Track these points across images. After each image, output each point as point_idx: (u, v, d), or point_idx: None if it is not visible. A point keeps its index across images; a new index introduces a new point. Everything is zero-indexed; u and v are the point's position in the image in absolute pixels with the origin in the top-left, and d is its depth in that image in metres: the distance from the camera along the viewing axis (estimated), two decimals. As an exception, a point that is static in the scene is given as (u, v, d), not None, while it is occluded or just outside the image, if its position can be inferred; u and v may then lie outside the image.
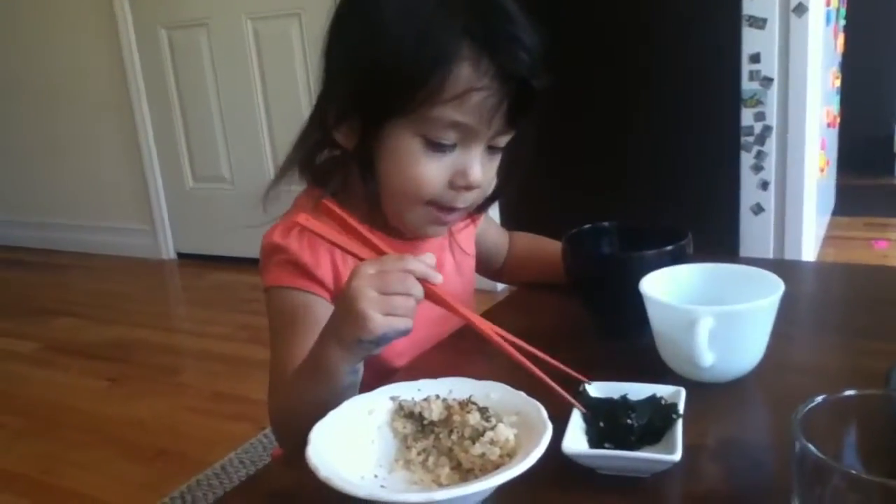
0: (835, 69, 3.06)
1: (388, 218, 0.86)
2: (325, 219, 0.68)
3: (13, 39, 3.74)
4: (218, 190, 3.47)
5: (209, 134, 3.40)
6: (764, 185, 2.43)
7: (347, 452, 0.59)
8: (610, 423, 0.62)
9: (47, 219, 3.98)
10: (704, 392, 0.71)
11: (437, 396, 0.64)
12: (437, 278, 0.66)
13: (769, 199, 2.44)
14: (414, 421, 0.62)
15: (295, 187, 0.94)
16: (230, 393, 2.23)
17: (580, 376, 0.68)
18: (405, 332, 0.66)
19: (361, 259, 0.67)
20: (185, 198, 3.58)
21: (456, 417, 0.61)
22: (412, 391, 0.66)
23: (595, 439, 0.62)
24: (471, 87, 0.75)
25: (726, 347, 0.70)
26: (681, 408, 0.63)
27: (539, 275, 1.04)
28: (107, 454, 1.97)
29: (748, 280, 0.77)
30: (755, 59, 2.35)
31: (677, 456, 0.57)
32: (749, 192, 2.45)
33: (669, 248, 0.83)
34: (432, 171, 0.80)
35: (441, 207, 0.83)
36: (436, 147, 0.79)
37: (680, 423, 0.61)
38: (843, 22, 3.15)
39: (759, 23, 2.32)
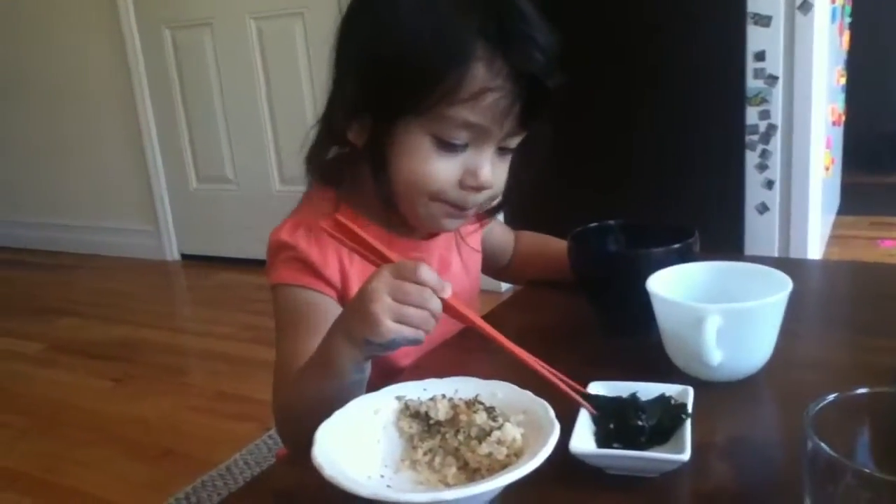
0: (840, 67, 3.05)
1: (400, 214, 0.85)
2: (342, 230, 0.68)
3: (17, 40, 3.74)
4: (222, 191, 3.47)
5: (213, 134, 3.40)
6: (769, 184, 2.42)
7: (353, 452, 0.59)
8: (620, 424, 0.61)
9: (51, 219, 3.98)
10: (712, 390, 0.70)
11: (444, 396, 0.63)
12: (446, 292, 0.65)
13: (774, 198, 2.43)
14: (420, 420, 0.62)
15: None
16: (234, 393, 2.22)
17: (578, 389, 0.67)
18: (414, 342, 0.66)
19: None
20: (188, 198, 3.58)
21: (462, 417, 0.60)
22: (418, 391, 0.65)
23: (603, 439, 0.61)
24: (485, 88, 0.75)
25: (734, 346, 0.69)
26: (690, 407, 0.62)
27: (545, 273, 1.04)
28: (110, 453, 1.97)
29: (756, 278, 0.77)
30: (760, 57, 2.34)
31: (686, 456, 0.56)
32: (754, 190, 2.44)
33: (677, 245, 0.83)
34: (443, 171, 0.80)
35: (453, 205, 0.83)
36: (447, 147, 0.79)
37: (689, 423, 0.60)
38: (848, 19, 3.14)
39: (764, 20, 2.31)
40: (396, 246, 0.89)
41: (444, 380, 0.67)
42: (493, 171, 0.81)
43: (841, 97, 3.14)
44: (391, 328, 0.64)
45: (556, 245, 1.03)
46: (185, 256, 3.68)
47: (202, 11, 3.22)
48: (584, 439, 0.60)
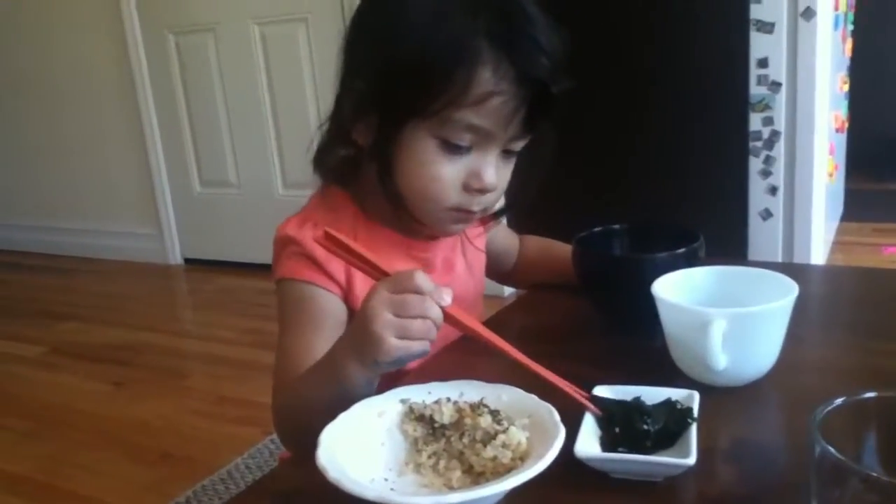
0: (843, 74, 3.05)
1: (407, 214, 0.85)
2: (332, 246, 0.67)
3: (21, 44, 3.75)
4: (224, 195, 3.47)
5: (216, 139, 3.40)
6: (772, 191, 2.42)
7: (357, 455, 0.58)
8: (626, 428, 0.61)
9: (54, 222, 3.99)
10: (717, 394, 0.70)
11: (448, 399, 0.63)
12: (445, 300, 0.65)
13: (778, 205, 2.43)
14: (424, 424, 0.62)
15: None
16: (236, 397, 2.22)
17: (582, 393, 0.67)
18: (422, 355, 0.66)
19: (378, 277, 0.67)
20: (191, 202, 3.58)
21: (467, 420, 0.60)
22: (423, 394, 0.65)
23: (608, 443, 0.61)
24: (491, 92, 0.75)
25: (740, 350, 0.69)
26: (695, 412, 0.62)
27: (549, 277, 1.04)
28: (112, 457, 1.96)
29: (761, 283, 0.76)
30: (763, 63, 2.34)
31: (692, 460, 0.56)
32: (757, 197, 2.44)
33: (682, 250, 0.83)
34: (447, 173, 0.80)
35: (457, 209, 0.83)
36: (452, 149, 0.79)
37: (695, 428, 0.60)
38: (851, 26, 3.14)
39: (767, 27, 2.32)
40: (402, 246, 0.89)
41: (448, 383, 0.67)
42: (497, 173, 0.81)
43: (844, 104, 3.14)
44: (396, 346, 0.64)
45: (561, 249, 1.03)
46: (187, 260, 3.67)
47: (206, 16, 3.23)
48: (589, 443, 0.60)
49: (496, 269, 1.09)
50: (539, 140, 0.85)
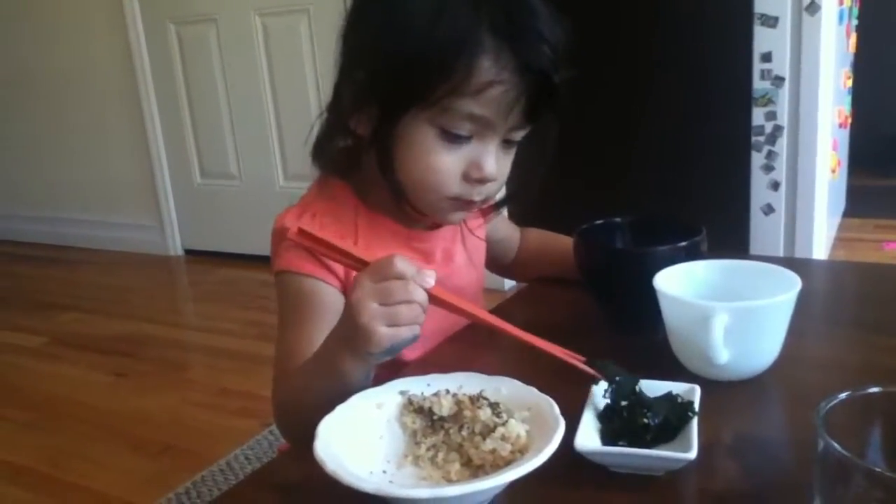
0: (847, 69, 3.03)
1: (408, 204, 0.85)
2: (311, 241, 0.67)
3: (22, 34, 3.74)
4: (225, 186, 3.46)
5: (217, 130, 3.39)
6: (775, 186, 2.41)
7: (355, 447, 0.58)
8: (626, 422, 0.60)
9: (55, 213, 3.98)
10: (719, 389, 0.69)
11: (447, 391, 0.63)
12: (429, 282, 0.65)
13: (780, 200, 2.42)
14: (423, 416, 0.61)
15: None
16: (236, 389, 2.22)
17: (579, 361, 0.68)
18: (413, 340, 0.65)
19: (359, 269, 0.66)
20: (192, 194, 3.57)
21: (466, 413, 0.60)
22: (422, 386, 0.65)
23: (608, 436, 0.61)
24: (492, 81, 0.74)
25: (742, 345, 0.69)
26: (696, 406, 0.61)
27: (550, 270, 1.03)
28: (113, 448, 1.97)
29: (764, 277, 0.76)
30: (767, 57, 2.33)
31: (693, 454, 0.56)
32: (759, 192, 2.43)
33: (684, 243, 0.82)
34: (447, 163, 0.79)
35: (457, 200, 0.82)
36: (452, 138, 0.78)
37: (696, 422, 0.60)
38: (855, 21, 3.13)
39: (771, 21, 2.30)
40: (402, 236, 0.88)
41: (448, 375, 0.66)
42: (497, 163, 0.81)
43: (847, 99, 3.13)
44: (386, 335, 0.63)
45: (562, 242, 1.02)
46: (188, 252, 3.67)
47: (207, 7, 3.22)
48: (589, 437, 0.59)
49: (496, 262, 1.08)
50: (540, 131, 0.84)
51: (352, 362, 0.68)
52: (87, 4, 3.48)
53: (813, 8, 2.26)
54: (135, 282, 3.43)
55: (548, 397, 0.61)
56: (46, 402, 2.26)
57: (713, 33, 2.40)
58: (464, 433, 0.59)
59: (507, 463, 0.56)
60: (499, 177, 0.82)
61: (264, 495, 0.65)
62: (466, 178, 0.81)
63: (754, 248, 2.46)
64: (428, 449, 0.60)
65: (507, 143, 0.82)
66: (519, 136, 0.83)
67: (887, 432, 0.49)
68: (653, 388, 0.65)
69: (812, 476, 0.47)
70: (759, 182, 2.43)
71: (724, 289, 0.76)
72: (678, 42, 2.44)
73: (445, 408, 0.61)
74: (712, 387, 0.68)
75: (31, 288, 3.44)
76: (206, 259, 3.56)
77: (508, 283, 2.41)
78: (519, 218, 1.16)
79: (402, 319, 0.64)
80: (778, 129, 2.37)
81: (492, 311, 0.98)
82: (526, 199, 0.90)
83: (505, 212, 1.09)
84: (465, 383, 0.64)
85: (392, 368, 0.82)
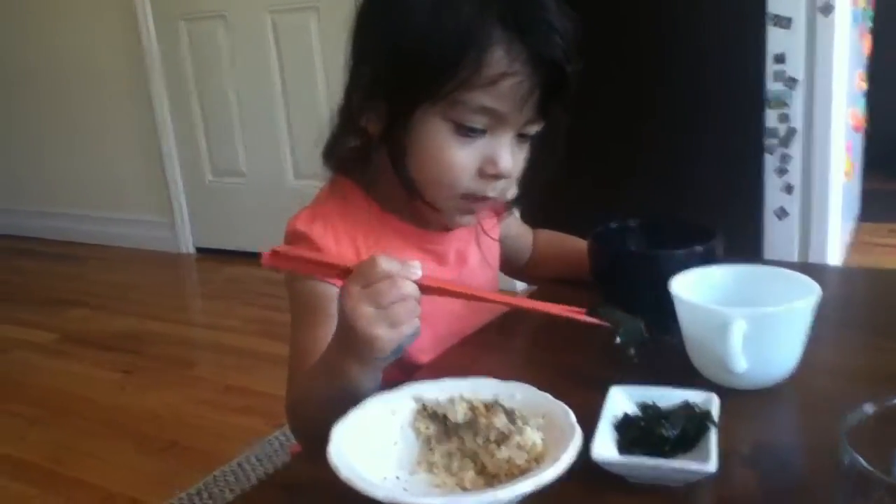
0: (861, 71, 3.01)
1: (421, 204, 0.84)
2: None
3: (31, 30, 3.74)
4: (236, 184, 3.46)
5: (227, 127, 3.39)
6: (788, 189, 2.39)
7: (369, 453, 0.57)
8: (643, 432, 0.59)
9: (66, 210, 3.98)
10: (737, 397, 0.68)
11: (462, 397, 0.62)
12: (416, 273, 0.64)
13: (794, 203, 2.40)
14: (438, 422, 0.60)
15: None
16: (242, 387, 2.22)
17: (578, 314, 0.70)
18: (416, 335, 0.65)
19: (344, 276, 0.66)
20: (203, 191, 3.57)
21: (481, 420, 0.59)
22: (436, 391, 0.64)
23: (625, 445, 0.59)
24: (504, 73, 0.74)
25: (761, 352, 0.67)
26: (715, 415, 0.60)
27: (563, 272, 1.02)
28: (118, 445, 1.96)
29: (781, 282, 0.75)
30: (780, 59, 2.31)
31: (712, 467, 0.55)
32: (773, 195, 2.41)
33: (699, 247, 0.81)
34: (462, 158, 0.78)
35: (470, 197, 0.81)
36: (465, 132, 0.78)
37: (714, 432, 0.58)
38: (870, 23, 3.10)
39: (784, 22, 2.28)
40: (414, 237, 0.87)
41: (462, 380, 0.65)
42: (511, 158, 0.80)
43: (862, 102, 3.10)
44: (389, 338, 0.63)
45: (574, 243, 1.01)
46: (199, 250, 3.67)
47: (218, 4, 3.21)
48: (606, 446, 0.58)
49: (509, 263, 1.07)
50: (551, 126, 0.83)
51: (359, 369, 0.67)
52: (99, 1, 3.47)
53: (827, 9, 2.23)
54: (144, 278, 3.43)
55: (563, 404, 0.60)
56: (53, 398, 2.26)
57: (725, 34, 2.38)
58: (479, 440, 0.58)
59: (523, 472, 0.55)
60: (513, 172, 0.81)
61: (278, 498, 0.64)
62: (481, 173, 0.80)
63: (768, 252, 2.44)
64: (442, 456, 0.59)
65: (520, 137, 0.81)
66: (533, 130, 0.82)
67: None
68: (669, 396, 0.63)
69: (833, 488, 0.46)
70: (772, 185, 2.41)
71: (740, 294, 0.75)
72: (690, 42, 2.42)
73: (460, 414, 0.60)
74: (729, 395, 0.67)
75: (41, 284, 3.44)
76: (216, 256, 3.55)
77: (521, 285, 2.40)
78: (530, 221, 1.15)
79: (400, 318, 0.63)
80: (791, 131, 2.35)
81: (504, 313, 0.98)
82: (536, 197, 0.89)
83: (517, 213, 1.08)
84: (480, 388, 0.63)
85: (405, 371, 0.81)
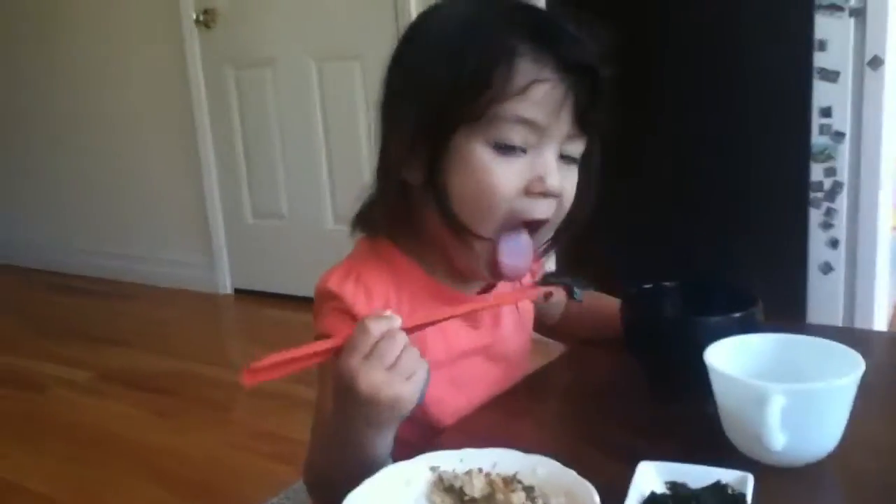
0: (910, 125, 2.94)
1: (459, 258, 0.81)
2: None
3: (83, 72, 3.86)
4: (276, 226, 3.49)
5: (270, 171, 3.43)
6: (833, 244, 2.33)
7: (381, 527, 0.55)
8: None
9: (109, 248, 4.06)
10: (774, 476, 0.64)
11: (480, 470, 0.59)
12: (396, 322, 0.65)
13: (839, 258, 2.33)
14: (454, 496, 0.58)
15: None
16: (275, 432, 2.20)
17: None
18: (429, 378, 0.66)
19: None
20: (244, 233, 3.61)
21: (499, 496, 0.56)
22: (454, 461, 0.62)
23: (652, 528, 0.56)
24: (534, 80, 0.74)
25: (800, 429, 0.64)
26: (748, 498, 0.57)
27: (596, 333, 0.98)
28: (149, 487, 1.96)
29: (824, 353, 0.71)
30: (826, 112, 2.27)
31: (745, 555, 0.51)
32: (818, 250, 2.35)
33: (738, 314, 0.78)
34: (505, 176, 0.76)
35: (517, 220, 0.78)
36: (506, 150, 0.76)
37: (748, 517, 0.55)
38: (920, 76, 3.04)
39: (831, 76, 2.25)
40: (450, 300, 0.84)
41: (482, 451, 0.63)
42: (559, 177, 0.78)
43: (911, 155, 3.03)
44: (410, 390, 0.64)
45: (610, 303, 0.98)
46: (237, 291, 3.70)
47: (265, 51, 3.28)
48: (631, 528, 0.55)
49: (540, 321, 1.03)
50: (588, 148, 0.82)
51: (376, 434, 0.67)
52: (151, 47, 3.58)
53: (875, 62, 2.20)
54: (183, 318, 3.46)
55: (587, 483, 0.57)
56: (87, 438, 2.27)
57: (771, 87, 2.35)
58: (496, 518, 0.55)
59: (541, 553, 0.52)
60: (562, 192, 0.79)
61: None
62: (528, 192, 0.77)
63: (811, 308, 2.37)
64: (457, 532, 0.56)
65: (565, 159, 0.79)
66: (575, 148, 0.80)
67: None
68: (700, 474, 0.60)
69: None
70: (816, 240, 2.35)
71: (780, 366, 0.72)
72: (735, 95, 2.40)
73: (477, 489, 0.57)
74: (766, 473, 0.63)
75: (81, 321, 3.49)
76: (255, 298, 3.58)
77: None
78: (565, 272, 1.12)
79: (411, 367, 0.64)
80: (838, 185, 2.30)
81: (534, 374, 0.96)
82: (559, 254, 0.87)
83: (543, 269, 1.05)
84: (500, 461, 0.61)
85: (425, 436, 0.79)
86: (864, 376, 0.66)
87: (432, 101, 0.77)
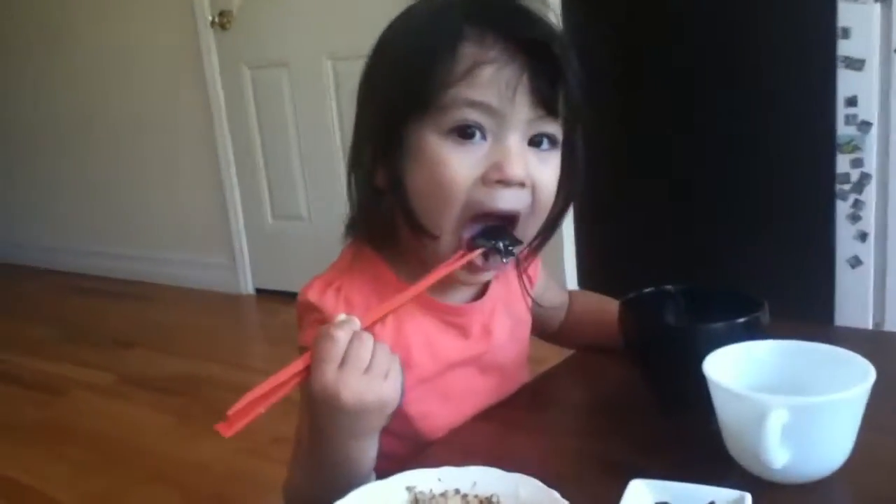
0: (942, 112, 2.85)
1: (433, 264, 0.76)
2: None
3: (102, 75, 3.88)
4: (296, 227, 3.48)
5: (288, 172, 3.43)
6: (862, 237, 2.26)
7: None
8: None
9: (130, 250, 4.08)
10: (776, 494, 0.60)
11: (457, 491, 0.56)
12: (357, 324, 0.64)
13: (868, 252, 2.26)
14: (427, 519, 0.55)
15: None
16: (290, 437, 2.18)
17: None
18: (402, 369, 0.65)
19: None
20: (264, 234, 3.61)
21: (473, 521, 0.53)
22: (432, 481, 0.58)
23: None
24: (477, 62, 0.70)
25: (804, 445, 0.60)
26: (744, 522, 0.53)
27: (599, 339, 0.94)
28: (165, 495, 1.95)
29: (832, 362, 0.67)
30: (852, 102, 2.20)
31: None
32: (845, 243, 2.28)
33: (742, 319, 0.73)
34: (460, 164, 0.71)
35: (476, 212, 0.73)
36: (461, 136, 0.72)
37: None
38: (952, 62, 2.95)
39: (856, 64, 2.18)
40: (436, 311, 0.81)
41: (461, 469, 0.60)
42: (525, 164, 0.73)
43: (943, 144, 2.94)
44: (390, 388, 0.63)
45: (613, 308, 0.94)
46: (259, 291, 3.70)
47: (281, 52, 3.27)
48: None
49: (541, 327, 0.99)
50: (568, 133, 0.77)
51: (365, 444, 0.66)
52: (167, 49, 3.58)
53: (903, 49, 2.12)
54: (204, 320, 3.46)
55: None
56: (105, 443, 2.27)
57: (794, 77, 2.28)
58: (469, 544, 0.52)
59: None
60: (529, 180, 0.73)
61: None
62: (486, 180, 0.72)
63: (840, 304, 2.30)
64: (430, 557, 0.53)
65: (538, 145, 0.75)
66: (547, 132, 0.75)
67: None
68: (694, 494, 0.56)
69: None
70: (844, 233, 2.28)
71: (785, 376, 0.67)
72: (758, 87, 2.34)
73: (452, 512, 0.54)
74: (768, 491, 0.59)
75: (102, 323, 3.51)
76: (276, 298, 3.57)
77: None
78: (581, 279, 1.08)
79: (386, 365, 0.63)
80: (865, 176, 2.23)
81: (534, 381, 0.92)
82: (581, 257, 0.83)
83: (574, 273, 1.01)
84: (480, 480, 0.58)
85: (418, 447, 0.77)
86: (884, 383, 0.61)
87: (383, 98, 0.75)
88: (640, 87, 2.48)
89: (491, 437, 0.79)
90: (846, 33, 2.17)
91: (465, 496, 0.55)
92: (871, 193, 2.23)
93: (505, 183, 0.72)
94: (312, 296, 0.79)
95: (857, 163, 2.23)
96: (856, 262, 2.29)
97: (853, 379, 0.61)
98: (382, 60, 0.78)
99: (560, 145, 0.77)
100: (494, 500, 0.55)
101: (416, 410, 0.77)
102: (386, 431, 0.68)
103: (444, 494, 0.56)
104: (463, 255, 0.72)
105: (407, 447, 0.78)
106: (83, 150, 4.12)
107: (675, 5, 2.42)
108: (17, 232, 4.65)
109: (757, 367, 0.69)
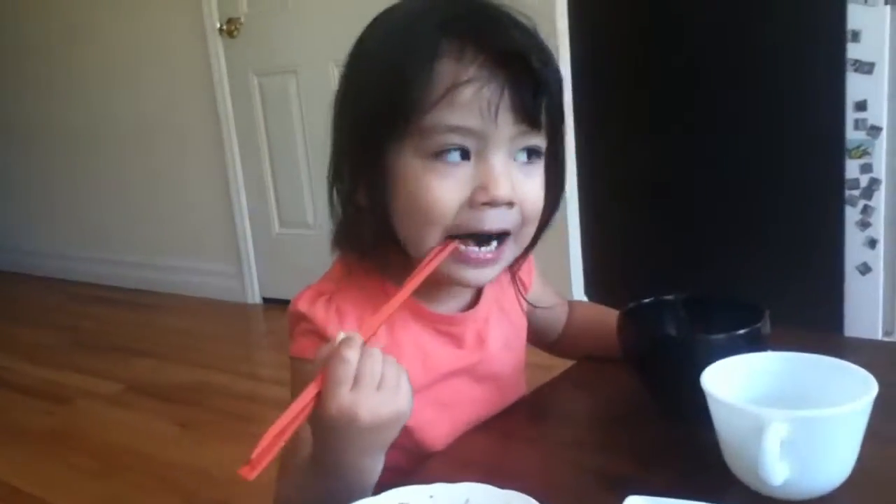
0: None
1: (417, 257, 0.76)
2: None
3: (110, 84, 3.90)
4: (303, 236, 3.48)
5: (296, 180, 3.43)
6: (871, 243, 2.23)
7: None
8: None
9: (138, 258, 4.09)
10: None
11: (448, 509, 0.55)
12: (360, 337, 0.62)
13: (877, 259, 2.24)
14: (417, 538, 0.54)
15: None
16: (296, 445, 2.18)
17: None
18: (409, 377, 0.64)
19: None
20: (271, 242, 3.61)
21: (463, 540, 0.52)
22: (423, 498, 0.57)
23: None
24: (455, 83, 0.67)
25: (804, 460, 0.58)
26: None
27: (598, 350, 0.93)
28: (170, 502, 1.95)
29: (834, 374, 0.65)
30: (861, 106, 2.18)
31: None
32: (854, 250, 2.26)
33: (742, 331, 0.72)
34: (443, 189, 0.70)
35: (468, 234, 0.72)
36: (441, 160, 0.70)
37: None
38: (962, 66, 2.92)
39: (865, 68, 2.16)
40: (429, 320, 0.80)
41: (455, 486, 0.58)
42: (511, 183, 0.71)
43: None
44: (403, 401, 0.62)
45: (613, 319, 0.93)
46: (266, 300, 3.70)
47: (289, 59, 3.27)
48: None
49: (539, 337, 0.98)
50: (552, 141, 0.76)
51: (377, 460, 0.65)
52: (176, 56, 3.60)
53: (912, 53, 2.10)
54: (211, 328, 3.46)
55: (560, 525, 0.52)
56: (111, 452, 2.27)
57: (802, 81, 2.27)
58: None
59: None
60: (517, 199, 0.72)
61: None
62: (472, 203, 0.70)
63: (849, 311, 2.28)
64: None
65: (522, 161, 0.73)
66: (528, 143, 0.73)
67: None
68: (691, 512, 0.55)
69: None
70: (853, 239, 2.26)
71: (787, 387, 0.66)
72: (765, 90, 2.32)
73: (441, 530, 0.53)
74: (767, 508, 0.58)
75: (110, 331, 3.51)
76: (283, 307, 3.53)
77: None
78: (587, 290, 1.07)
79: (395, 378, 0.62)
80: (874, 182, 2.21)
81: (534, 392, 0.91)
82: (543, 228, 0.79)
83: (580, 284, 1.00)
84: (472, 497, 0.57)
85: (418, 459, 0.76)
86: (891, 394, 0.60)
87: (360, 117, 0.73)
88: (646, 90, 2.47)
89: (489, 448, 0.78)
90: (856, 36, 2.15)
91: (455, 514, 0.54)
92: (880, 199, 2.21)
93: (492, 205, 0.71)
94: (303, 306, 0.78)
95: (866, 168, 2.21)
96: (865, 269, 2.27)
97: (855, 391, 0.60)
98: (357, 75, 0.75)
99: (544, 154, 0.76)
100: (485, 517, 0.54)
101: (413, 421, 0.76)
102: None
103: (434, 512, 0.55)
104: (440, 251, 0.70)
105: (408, 458, 0.77)
106: (91, 158, 4.14)
107: (683, 8, 2.41)
108: (24, 240, 4.67)
109: (757, 379, 0.67)
